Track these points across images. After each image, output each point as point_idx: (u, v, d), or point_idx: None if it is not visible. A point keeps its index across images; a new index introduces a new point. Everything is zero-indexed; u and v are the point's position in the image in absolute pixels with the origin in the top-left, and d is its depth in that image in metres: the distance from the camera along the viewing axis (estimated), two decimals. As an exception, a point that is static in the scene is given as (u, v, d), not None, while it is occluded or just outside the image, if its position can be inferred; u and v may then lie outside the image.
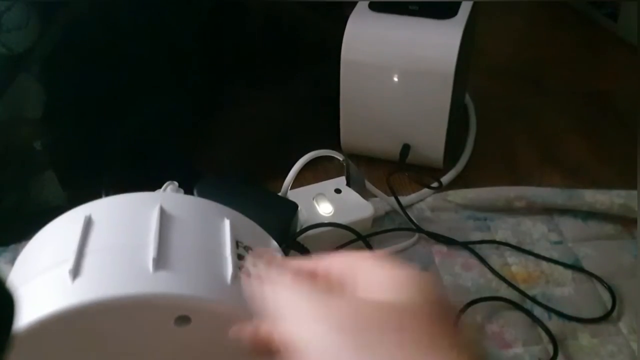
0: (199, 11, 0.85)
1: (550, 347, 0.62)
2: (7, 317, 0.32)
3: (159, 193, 0.52)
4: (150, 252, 0.41)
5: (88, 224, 0.44)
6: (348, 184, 0.76)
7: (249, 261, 0.36)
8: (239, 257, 0.43)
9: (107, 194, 0.49)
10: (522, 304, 0.67)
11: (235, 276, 0.41)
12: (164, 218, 0.44)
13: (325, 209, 0.73)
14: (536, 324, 0.65)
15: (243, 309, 0.37)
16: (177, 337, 0.40)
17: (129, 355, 0.42)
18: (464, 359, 0.29)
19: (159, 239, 0.42)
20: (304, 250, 0.63)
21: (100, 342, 0.41)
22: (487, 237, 0.75)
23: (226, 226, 0.45)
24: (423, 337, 0.29)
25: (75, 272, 0.40)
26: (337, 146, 0.84)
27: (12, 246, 0.71)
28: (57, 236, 0.46)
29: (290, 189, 0.71)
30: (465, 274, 0.70)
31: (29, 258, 0.46)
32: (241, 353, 0.36)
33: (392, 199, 0.76)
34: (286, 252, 0.62)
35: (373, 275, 0.33)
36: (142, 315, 0.40)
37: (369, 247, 0.69)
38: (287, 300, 0.33)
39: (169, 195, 0.51)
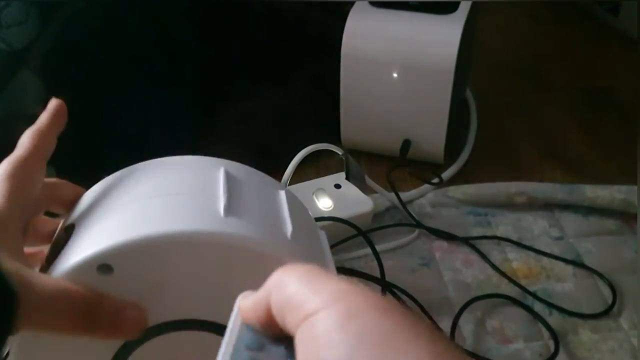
0: (199, 7, 0.85)
1: (551, 343, 0.62)
2: (8, 310, 0.32)
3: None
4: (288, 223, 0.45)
5: (228, 175, 0.46)
6: (348, 179, 0.76)
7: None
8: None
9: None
10: (522, 299, 0.67)
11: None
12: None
13: (324, 204, 0.73)
14: (537, 320, 0.65)
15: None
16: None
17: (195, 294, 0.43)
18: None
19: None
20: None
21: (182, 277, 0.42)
22: (487, 232, 0.75)
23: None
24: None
25: (227, 209, 0.42)
26: (337, 141, 0.84)
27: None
28: (194, 171, 0.48)
29: (290, 184, 0.71)
30: (466, 270, 0.70)
31: (147, 178, 0.47)
32: None
33: (392, 194, 0.76)
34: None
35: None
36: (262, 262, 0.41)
37: (369, 242, 0.69)
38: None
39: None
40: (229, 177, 0.46)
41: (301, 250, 0.43)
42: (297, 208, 0.49)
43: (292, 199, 0.49)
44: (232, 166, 0.48)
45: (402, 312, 0.30)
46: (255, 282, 0.35)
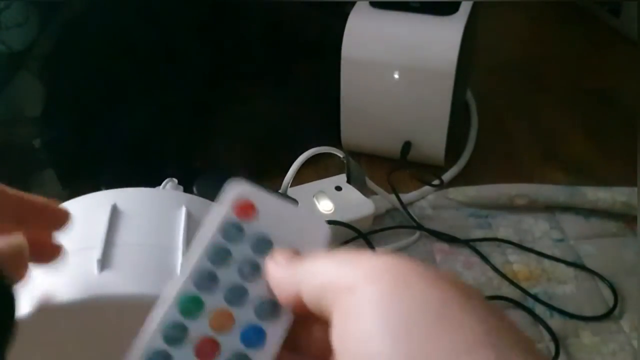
0: (199, 9, 0.85)
1: (552, 345, 0.62)
2: (7, 313, 0.32)
3: (182, 194, 0.53)
4: (179, 256, 0.42)
5: (115, 213, 0.46)
6: (349, 182, 0.76)
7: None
8: None
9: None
10: (523, 302, 0.67)
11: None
12: (191, 222, 0.46)
13: (325, 207, 0.73)
14: (538, 322, 0.65)
15: None
16: None
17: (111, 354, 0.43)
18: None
19: (185, 243, 0.44)
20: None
21: (97, 337, 0.42)
22: (488, 234, 0.74)
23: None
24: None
25: (102, 264, 0.42)
26: (337, 143, 0.83)
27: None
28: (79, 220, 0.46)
29: (291, 187, 0.71)
30: (467, 272, 0.70)
31: None
32: None
33: (393, 196, 0.76)
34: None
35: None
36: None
37: (369, 245, 0.68)
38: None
39: (192, 198, 0.51)
40: (112, 218, 0.45)
41: None
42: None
43: (197, 212, 0.47)
44: (121, 198, 0.47)
45: (453, 281, 0.27)
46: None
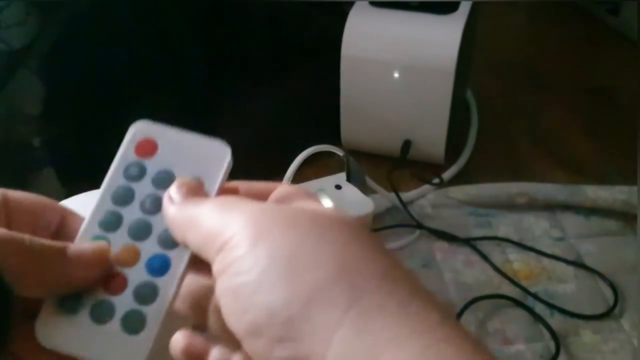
0: (199, 8, 0.85)
1: (552, 344, 0.62)
2: (4, 308, 0.32)
3: None
4: None
5: None
6: (348, 180, 0.75)
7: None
8: None
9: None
10: (523, 301, 0.67)
11: None
12: None
13: (325, 205, 0.73)
14: (538, 321, 0.65)
15: None
16: None
17: None
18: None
19: None
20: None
21: None
22: (488, 233, 0.74)
23: None
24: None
25: None
26: (337, 142, 0.83)
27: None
28: None
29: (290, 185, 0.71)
30: (467, 271, 0.70)
31: None
32: None
33: (393, 195, 0.76)
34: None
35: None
36: None
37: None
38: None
39: None
40: None
41: None
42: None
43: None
44: None
45: (310, 219, 0.29)
46: None
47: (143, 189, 0.35)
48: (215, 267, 0.29)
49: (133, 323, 0.32)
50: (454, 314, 0.64)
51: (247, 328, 0.28)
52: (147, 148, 0.36)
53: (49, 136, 0.72)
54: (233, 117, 0.89)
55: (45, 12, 0.69)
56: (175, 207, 0.32)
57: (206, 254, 0.30)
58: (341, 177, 0.76)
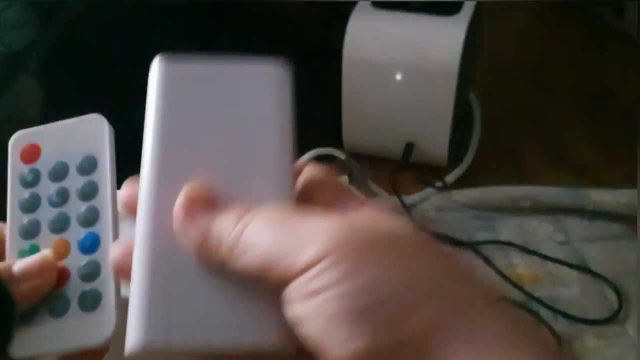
0: (199, 9, 0.85)
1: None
2: (6, 314, 0.33)
3: None
4: None
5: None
6: (350, 183, 0.75)
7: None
8: None
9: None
10: (527, 305, 0.66)
11: None
12: None
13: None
14: (542, 326, 0.64)
15: None
16: None
17: None
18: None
19: None
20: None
21: None
22: (492, 237, 0.74)
23: None
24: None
25: None
26: (339, 145, 0.83)
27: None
28: None
29: (292, 189, 0.71)
30: (470, 275, 0.70)
31: None
32: None
33: (396, 198, 0.76)
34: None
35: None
36: None
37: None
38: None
39: None
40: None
41: None
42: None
43: None
44: None
45: (398, 240, 0.27)
46: None
47: (45, 188, 0.37)
48: (296, 290, 0.26)
49: (89, 301, 0.34)
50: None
51: (353, 356, 0.25)
52: (31, 152, 0.38)
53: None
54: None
55: (45, 15, 0.69)
56: (203, 226, 0.28)
57: (269, 277, 0.26)
58: (343, 180, 0.76)
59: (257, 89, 0.33)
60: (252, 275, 0.27)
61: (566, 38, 1.12)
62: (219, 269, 0.28)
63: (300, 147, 0.74)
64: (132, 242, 0.30)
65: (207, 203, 0.29)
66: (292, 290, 0.26)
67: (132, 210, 0.31)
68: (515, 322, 0.26)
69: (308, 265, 0.25)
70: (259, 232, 0.27)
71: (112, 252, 0.32)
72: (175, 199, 0.29)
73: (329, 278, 0.25)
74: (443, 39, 0.75)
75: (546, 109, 0.95)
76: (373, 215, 0.29)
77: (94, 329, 0.34)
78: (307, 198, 0.31)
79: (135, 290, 0.28)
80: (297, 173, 0.32)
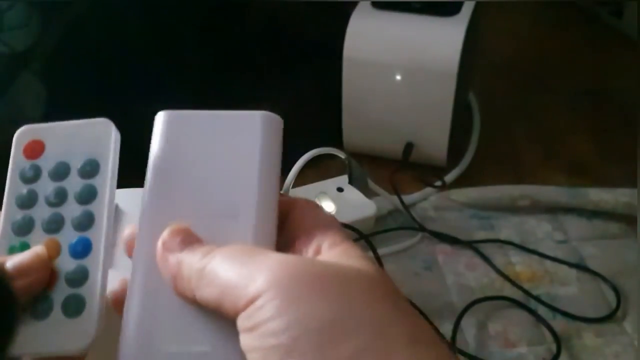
0: (200, 10, 0.85)
1: (554, 347, 0.62)
2: (8, 314, 0.32)
3: None
4: None
5: (116, 213, 0.46)
6: (350, 183, 0.76)
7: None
8: None
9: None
10: (526, 303, 0.67)
11: None
12: None
13: (327, 208, 0.73)
14: (540, 324, 0.65)
15: None
16: None
17: None
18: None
19: None
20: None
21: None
22: (491, 236, 0.74)
23: None
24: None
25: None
26: (339, 144, 0.83)
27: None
28: None
29: (292, 188, 0.71)
30: (469, 273, 0.70)
31: None
32: None
33: (395, 197, 0.76)
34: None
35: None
36: None
37: (371, 246, 0.68)
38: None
39: None
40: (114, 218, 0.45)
41: None
42: None
43: None
44: (122, 199, 0.47)
45: (339, 280, 0.29)
46: None
47: (43, 186, 0.36)
48: (241, 323, 0.29)
49: (72, 306, 0.34)
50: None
51: None
52: (35, 148, 0.37)
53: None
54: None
55: (48, 15, 0.69)
56: (178, 258, 0.31)
57: (223, 308, 0.29)
58: (343, 179, 0.76)
59: (247, 135, 0.36)
60: (213, 306, 0.30)
61: (566, 38, 1.12)
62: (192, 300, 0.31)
63: (301, 147, 0.74)
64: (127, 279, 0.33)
65: (184, 241, 0.32)
66: (239, 323, 0.29)
67: (130, 252, 0.34)
68: None
69: (250, 299, 0.28)
70: (219, 267, 0.30)
71: (113, 285, 0.34)
72: None
73: (264, 314, 0.28)
74: (443, 40, 0.76)
75: (545, 109, 0.95)
76: (340, 254, 0.32)
77: (74, 336, 0.33)
78: (291, 233, 0.34)
79: (126, 318, 0.32)
80: (286, 205, 0.35)
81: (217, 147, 0.35)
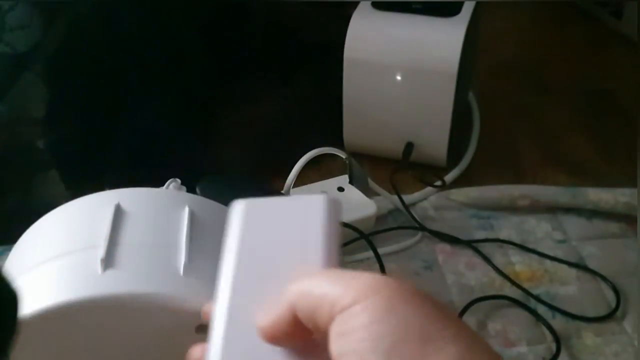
0: (202, 10, 0.85)
1: (554, 346, 0.62)
2: (10, 313, 0.32)
3: (185, 194, 0.54)
4: (183, 256, 0.44)
5: (118, 213, 0.46)
6: (351, 182, 0.76)
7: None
8: None
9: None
10: (526, 302, 0.67)
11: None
12: (194, 221, 0.47)
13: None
14: (540, 323, 0.65)
15: None
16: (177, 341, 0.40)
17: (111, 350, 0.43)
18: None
19: (188, 243, 0.45)
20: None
21: (98, 335, 0.42)
22: (490, 235, 0.74)
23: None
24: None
25: (105, 262, 0.42)
26: (340, 144, 0.84)
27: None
28: (77, 221, 0.48)
29: (293, 187, 0.71)
30: (469, 273, 0.70)
31: (40, 239, 0.48)
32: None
33: (395, 197, 0.76)
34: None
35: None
36: (161, 316, 0.41)
37: (371, 245, 0.69)
38: None
39: (194, 198, 0.52)
40: (116, 218, 0.46)
41: (197, 283, 0.43)
42: (209, 222, 0.48)
43: (200, 212, 0.48)
44: (125, 198, 0.48)
45: (433, 303, 0.30)
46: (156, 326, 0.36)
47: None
48: (335, 327, 0.30)
49: None
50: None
51: None
52: None
53: (53, 138, 0.72)
54: (236, 119, 0.89)
55: (50, 16, 0.69)
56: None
57: (317, 315, 0.30)
58: (344, 179, 0.77)
59: (310, 218, 0.35)
60: (308, 315, 0.31)
61: (566, 38, 1.12)
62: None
63: (301, 147, 0.75)
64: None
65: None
66: (333, 328, 0.30)
67: None
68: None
69: (346, 305, 0.29)
70: (313, 284, 0.32)
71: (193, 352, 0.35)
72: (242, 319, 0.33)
73: (362, 319, 0.29)
74: (443, 40, 0.76)
75: (545, 109, 0.96)
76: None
77: None
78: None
79: None
80: None
81: (284, 231, 0.35)
